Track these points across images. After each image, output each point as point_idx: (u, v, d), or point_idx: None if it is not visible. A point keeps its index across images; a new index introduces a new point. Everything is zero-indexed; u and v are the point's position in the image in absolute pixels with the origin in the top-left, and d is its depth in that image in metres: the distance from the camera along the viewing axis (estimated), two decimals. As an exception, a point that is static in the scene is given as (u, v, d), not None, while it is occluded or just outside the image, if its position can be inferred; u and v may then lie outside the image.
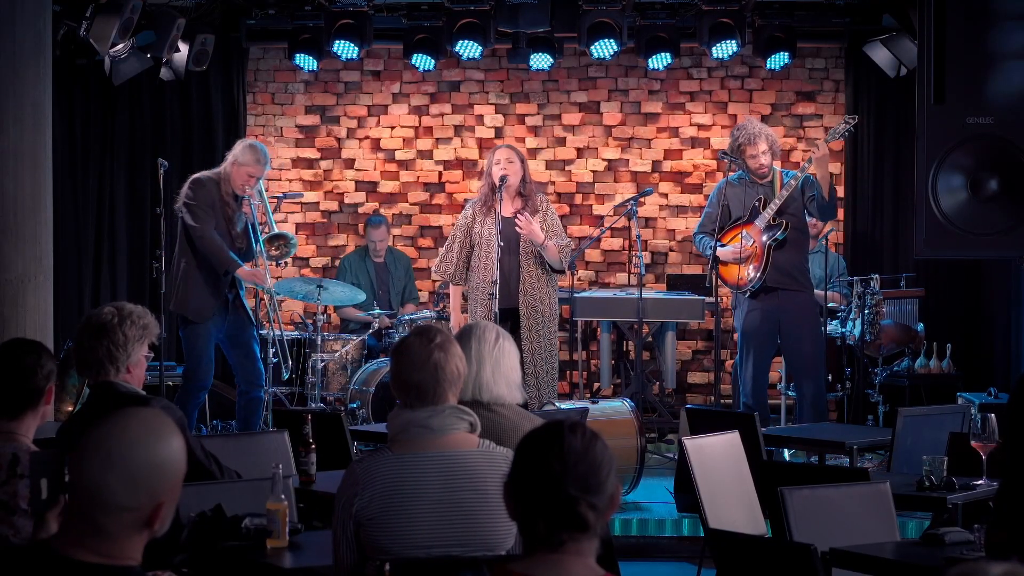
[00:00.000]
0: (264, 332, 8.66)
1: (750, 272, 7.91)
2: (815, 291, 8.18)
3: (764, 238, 7.89)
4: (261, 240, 7.73)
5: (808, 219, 8.14)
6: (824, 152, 7.77)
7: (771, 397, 8.55)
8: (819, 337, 8.00)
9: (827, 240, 9.34)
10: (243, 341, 7.84)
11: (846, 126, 7.92)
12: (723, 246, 7.99)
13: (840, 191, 9.80)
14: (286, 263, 8.11)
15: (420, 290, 10.43)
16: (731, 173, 8.10)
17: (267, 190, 10.16)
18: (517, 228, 7.73)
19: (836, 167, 10.06)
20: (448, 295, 8.53)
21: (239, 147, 7.78)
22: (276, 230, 7.90)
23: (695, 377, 10.37)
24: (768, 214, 7.89)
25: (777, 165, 8.11)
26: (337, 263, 10.14)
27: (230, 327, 7.79)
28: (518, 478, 2.45)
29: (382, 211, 10.38)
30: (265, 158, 7.76)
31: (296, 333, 9.25)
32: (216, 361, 7.87)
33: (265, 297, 8.06)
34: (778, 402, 9.03)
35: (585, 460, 2.40)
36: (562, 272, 8.02)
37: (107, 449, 2.33)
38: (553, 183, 10.37)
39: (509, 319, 7.72)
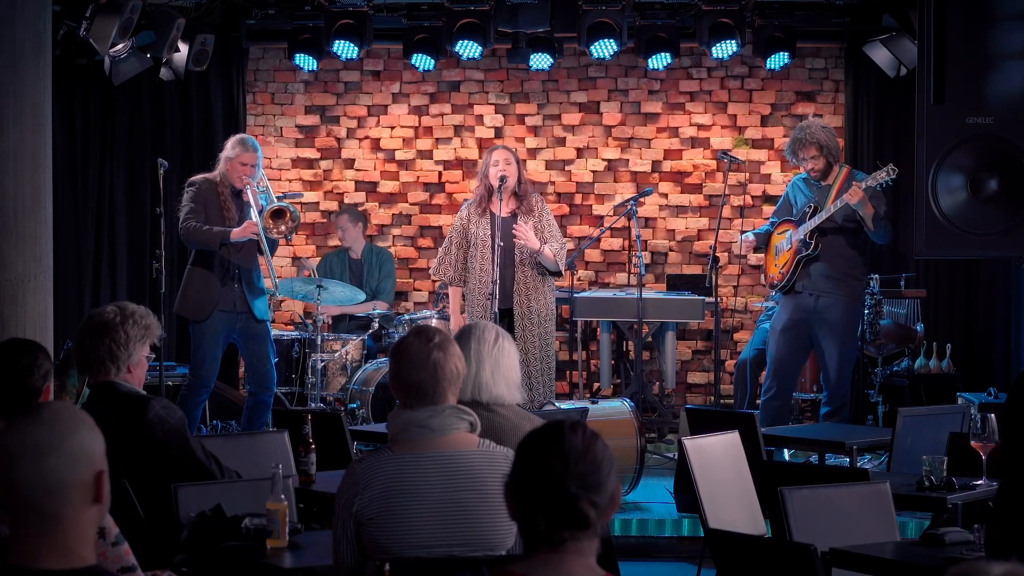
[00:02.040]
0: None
1: (780, 272, 8.00)
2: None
3: (797, 249, 7.91)
4: (263, 213, 7.64)
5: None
6: (858, 198, 7.62)
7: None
8: (847, 345, 7.95)
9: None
10: (255, 343, 7.83)
11: (886, 176, 7.64)
12: (758, 231, 8.23)
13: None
14: (294, 234, 8.07)
15: (419, 290, 10.44)
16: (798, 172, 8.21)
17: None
18: (514, 239, 7.72)
19: (847, 165, 10.05)
20: (447, 295, 8.52)
21: (229, 144, 7.82)
22: (278, 203, 7.80)
23: (695, 377, 10.37)
24: (807, 228, 7.86)
25: (844, 165, 8.11)
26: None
27: (243, 327, 7.79)
28: (519, 477, 2.45)
29: (381, 211, 10.38)
30: (255, 146, 7.80)
31: (296, 333, 9.24)
32: (220, 361, 7.87)
33: (265, 248, 7.94)
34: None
35: (586, 459, 2.41)
36: (559, 275, 8.02)
37: (32, 440, 2.34)
38: (553, 183, 10.37)
39: (504, 319, 7.71)
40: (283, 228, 7.69)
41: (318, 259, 10.34)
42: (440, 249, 8.19)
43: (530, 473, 2.43)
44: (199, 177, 7.82)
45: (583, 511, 2.39)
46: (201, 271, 7.72)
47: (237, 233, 7.67)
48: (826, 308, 7.89)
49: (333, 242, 10.43)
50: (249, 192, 7.73)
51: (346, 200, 10.43)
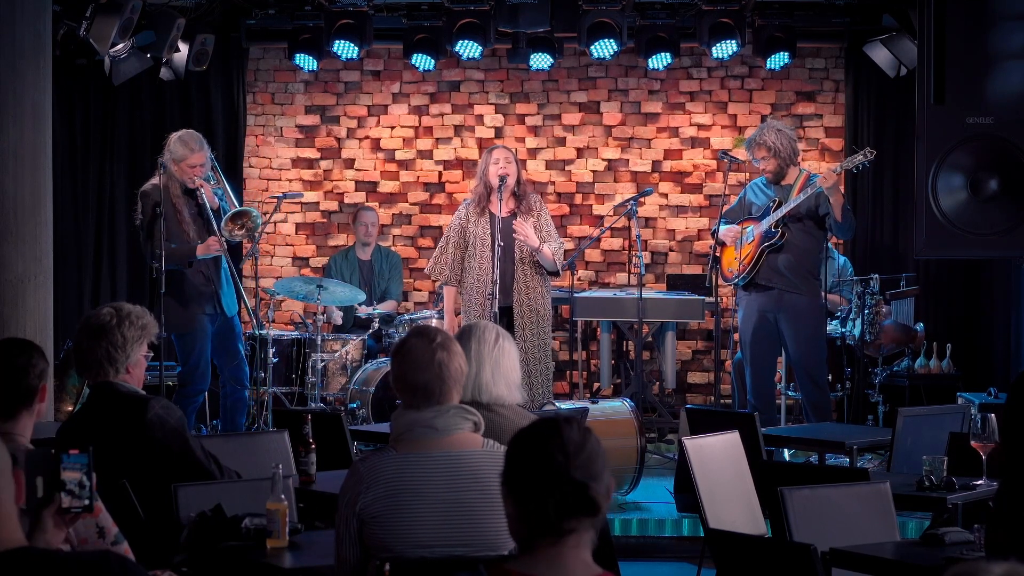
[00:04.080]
0: (263, 332, 8.66)
1: (739, 265, 7.99)
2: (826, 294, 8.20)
3: (761, 241, 7.93)
4: (223, 221, 7.56)
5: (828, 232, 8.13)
6: (832, 181, 7.69)
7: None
8: (815, 341, 7.97)
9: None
10: (227, 341, 7.83)
11: (863, 159, 7.74)
12: (728, 223, 8.15)
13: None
14: (261, 232, 7.99)
15: (419, 290, 10.44)
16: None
17: (266, 190, 10.18)
18: (514, 235, 7.72)
19: (835, 166, 10.05)
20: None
21: (170, 144, 7.63)
22: (237, 207, 7.72)
23: (695, 377, 10.37)
24: (772, 219, 7.89)
25: (804, 167, 8.14)
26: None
27: (220, 325, 7.79)
28: (521, 471, 2.48)
29: (382, 211, 10.38)
30: (199, 143, 7.62)
31: (296, 333, 9.24)
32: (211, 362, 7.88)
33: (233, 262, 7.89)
34: (779, 402, 9.02)
35: (584, 450, 2.48)
36: (556, 275, 8.01)
37: None
38: (553, 183, 10.37)
39: (504, 318, 7.71)
40: (242, 230, 7.64)
41: (322, 259, 10.35)
42: (436, 248, 8.18)
43: (533, 465, 2.47)
44: (149, 186, 7.57)
45: (593, 497, 2.45)
46: (174, 296, 7.62)
47: (201, 250, 7.61)
48: (791, 305, 7.90)
49: (333, 242, 10.44)
50: (203, 194, 7.62)
51: (346, 200, 10.43)
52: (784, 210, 7.86)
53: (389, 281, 9.79)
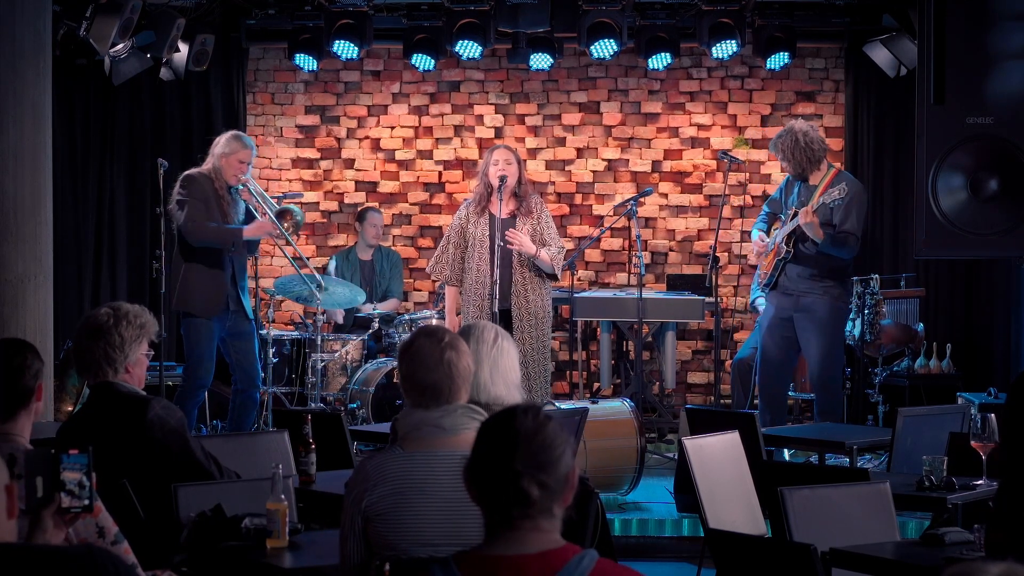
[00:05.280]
0: (263, 332, 8.66)
1: (763, 272, 7.98)
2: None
3: (777, 250, 7.86)
4: (270, 217, 7.71)
5: None
6: (807, 219, 7.56)
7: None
8: (830, 346, 7.87)
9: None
10: (243, 340, 7.83)
11: (839, 194, 7.56)
12: (763, 228, 8.13)
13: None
14: (298, 236, 8.13)
15: (419, 290, 10.44)
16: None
17: (267, 189, 10.18)
18: (508, 245, 7.68)
19: (837, 167, 10.05)
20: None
21: (222, 140, 7.78)
22: (280, 206, 7.84)
23: (695, 377, 10.37)
24: (784, 232, 7.78)
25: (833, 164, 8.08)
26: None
27: (232, 325, 7.79)
28: (472, 459, 2.55)
29: (382, 210, 10.38)
30: (249, 143, 7.79)
31: (296, 333, 9.24)
32: (215, 360, 7.87)
33: (283, 246, 8.03)
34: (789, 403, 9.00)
35: (536, 439, 2.48)
36: (555, 278, 7.99)
37: None
38: (553, 183, 10.37)
39: (502, 320, 7.70)
40: (285, 227, 7.75)
41: (322, 259, 10.35)
42: (437, 248, 8.18)
43: (480, 454, 2.53)
44: (195, 172, 7.75)
45: (524, 488, 2.46)
46: (207, 269, 7.69)
47: (250, 232, 7.69)
48: (808, 307, 7.81)
49: (333, 242, 10.44)
50: (251, 190, 7.74)
51: (346, 200, 10.44)
52: (792, 225, 7.73)
53: (390, 281, 9.80)
